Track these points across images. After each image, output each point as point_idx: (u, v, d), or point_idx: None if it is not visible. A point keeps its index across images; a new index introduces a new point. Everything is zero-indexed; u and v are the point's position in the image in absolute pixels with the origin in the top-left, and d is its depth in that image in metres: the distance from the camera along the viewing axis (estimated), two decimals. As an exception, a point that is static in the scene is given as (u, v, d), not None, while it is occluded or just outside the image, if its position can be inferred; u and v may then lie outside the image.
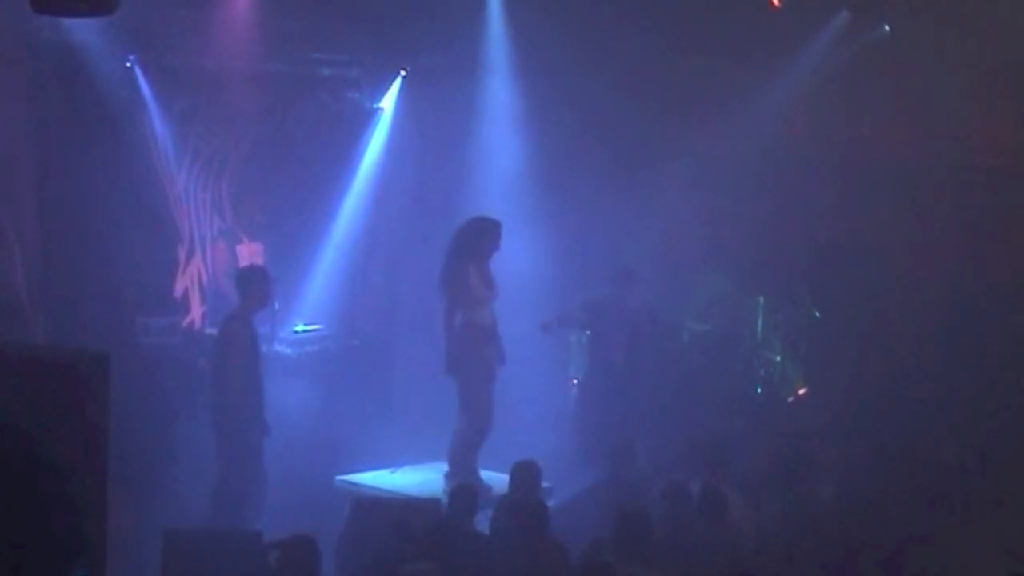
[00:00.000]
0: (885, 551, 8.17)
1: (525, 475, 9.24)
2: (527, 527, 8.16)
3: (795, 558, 8.04)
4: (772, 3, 13.30)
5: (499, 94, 13.35)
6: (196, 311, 12.33)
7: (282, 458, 10.27)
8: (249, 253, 12.22)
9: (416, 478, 11.16)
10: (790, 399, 13.85)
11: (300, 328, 11.50)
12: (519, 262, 12.40)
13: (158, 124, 11.85)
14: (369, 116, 13.20)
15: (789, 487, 9.44)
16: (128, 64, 11.53)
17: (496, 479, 10.76)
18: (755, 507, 9.08)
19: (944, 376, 12.49)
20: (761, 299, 14.07)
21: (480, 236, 10.83)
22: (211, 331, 11.82)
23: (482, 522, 9.33)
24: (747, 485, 9.37)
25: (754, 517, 8.93)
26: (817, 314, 14.17)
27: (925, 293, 13.21)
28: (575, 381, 13.92)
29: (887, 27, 13.58)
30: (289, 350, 11.51)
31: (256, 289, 10.08)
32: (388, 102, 13.23)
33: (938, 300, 13.10)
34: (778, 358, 14.03)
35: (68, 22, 10.72)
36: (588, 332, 12.93)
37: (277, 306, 11.66)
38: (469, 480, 10.42)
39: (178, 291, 12.23)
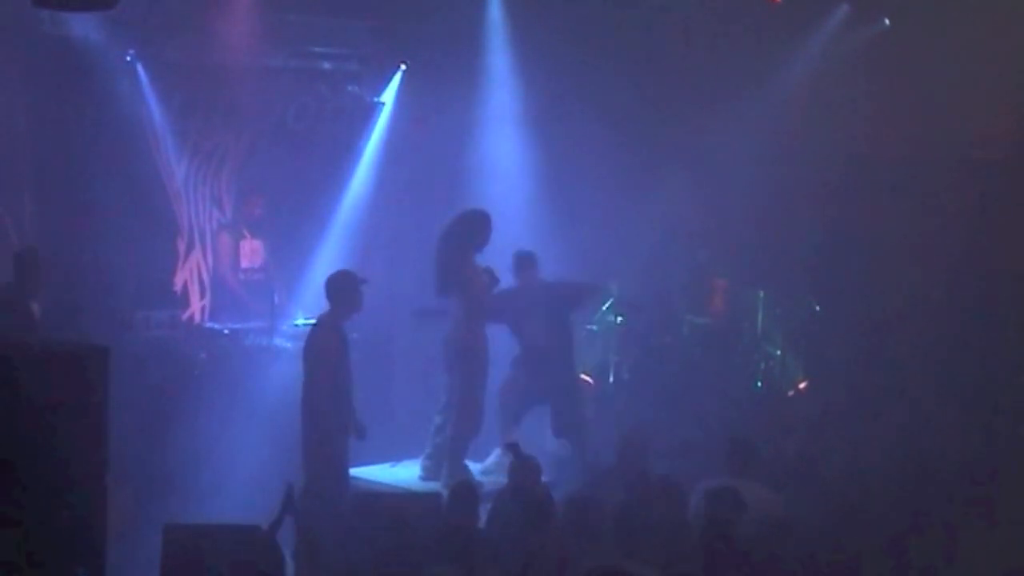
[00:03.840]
0: (886, 547, 8.17)
1: (525, 471, 9.23)
2: (531, 520, 8.15)
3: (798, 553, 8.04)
4: (773, -2, 13.32)
5: (499, 88, 13.35)
6: (196, 305, 12.34)
7: (282, 452, 10.27)
8: (250, 250, 12.23)
9: (416, 472, 11.17)
10: (790, 393, 13.84)
11: (300, 321, 11.48)
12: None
13: (158, 118, 11.87)
14: (369, 110, 13.21)
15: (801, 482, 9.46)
16: (128, 58, 11.55)
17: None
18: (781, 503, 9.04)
19: (945, 369, 12.49)
20: (762, 293, 14.06)
21: (476, 229, 10.89)
22: (211, 325, 11.84)
23: (483, 516, 9.34)
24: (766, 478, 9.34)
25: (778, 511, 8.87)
26: (817, 308, 14.16)
27: (925, 286, 13.21)
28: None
29: (887, 21, 13.57)
30: (289, 344, 11.50)
31: (347, 295, 9.90)
32: (388, 96, 13.23)
33: (938, 293, 13.10)
34: (778, 352, 14.02)
35: (69, 16, 10.75)
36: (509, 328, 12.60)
37: (277, 299, 11.68)
38: (463, 476, 10.46)
39: (177, 285, 12.24)
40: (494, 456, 11.27)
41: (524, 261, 11.46)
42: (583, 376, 13.91)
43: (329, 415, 9.74)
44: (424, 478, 11.00)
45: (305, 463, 9.85)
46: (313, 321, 10.29)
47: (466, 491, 8.84)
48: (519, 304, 11.39)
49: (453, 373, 11.00)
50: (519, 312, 11.35)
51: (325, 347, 9.83)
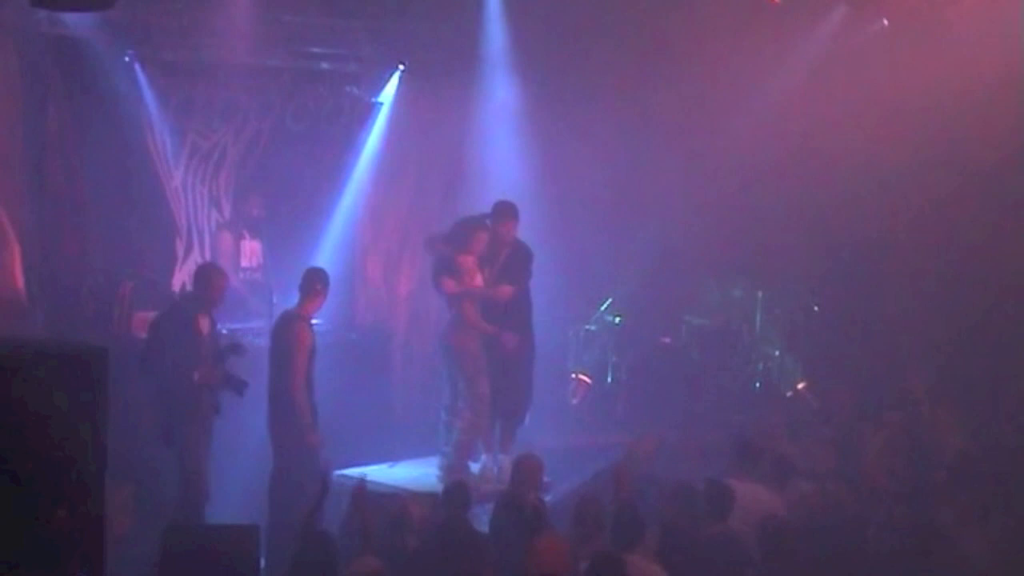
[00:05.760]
0: (887, 548, 8.18)
1: (527, 469, 9.24)
2: (525, 525, 8.16)
3: (796, 552, 8.05)
4: (772, -2, 13.31)
5: (497, 88, 13.35)
6: (194, 305, 12.31)
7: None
8: (249, 250, 12.21)
9: (414, 472, 11.16)
10: (789, 394, 13.85)
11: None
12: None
13: (156, 118, 11.86)
14: (368, 110, 13.20)
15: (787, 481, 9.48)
16: (127, 58, 11.54)
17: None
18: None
19: (945, 370, 12.49)
20: (760, 293, 14.07)
21: (455, 233, 10.86)
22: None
23: (481, 516, 9.35)
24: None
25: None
26: (816, 308, 14.17)
27: (924, 286, 13.21)
28: (573, 375, 13.94)
29: (885, 21, 13.57)
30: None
31: (318, 289, 10.03)
32: (387, 96, 13.22)
33: (937, 293, 13.10)
34: (777, 352, 14.02)
35: (67, 16, 10.75)
36: None
37: (275, 299, 11.66)
38: (460, 473, 10.45)
39: (176, 285, 12.22)
40: (484, 460, 11.25)
41: (502, 211, 11.04)
42: (581, 376, 13.94)
43: (305, 408, 9.75)
44: (443, 478, 10.81)
45: (276, 455, 9.84)
46: (314, 321, 10.28)
47: (458, 490, 8.86)
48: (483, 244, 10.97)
49: (452, 373, 10.98)
50: (479, 253, 10.96)
51: (301, 341, 9.83)
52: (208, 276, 9.98)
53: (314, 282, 10.09)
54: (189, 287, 12.25)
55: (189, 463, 9.64)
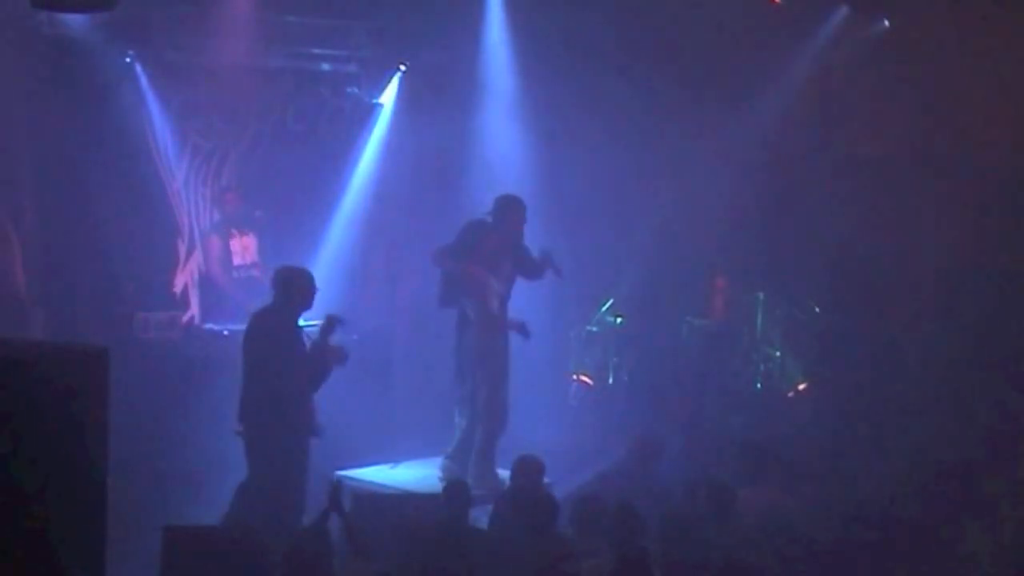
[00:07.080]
0: (888, 547, 8.18)
1: (528, 470, 9.23)
2: (534, 521, 8.16)
3: (795, 554, 8.05)
4: (772, -1, 13.32)
5: (499, 89, 13.35)
6: (195, 307, 12.33)
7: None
8: (241, 247, 12.19)
9: (416, 473, 11.13)
10: (790, 394, 13.85)
11: (300, 322, 11.46)
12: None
13: (157, 119, 11.89)
14: (369, 111, 13.21)
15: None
16: (128, 59, 11.56)
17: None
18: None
19: (945, 369, 12.50)
20: (761, 295, 14.06)
21: (465, 236, 10.78)
22: (211, 327, 11.83)
23: (481, 518, 9.35)
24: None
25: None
26: (817, 309, 14.16)
27: (925, 288, 13.21)
28: (574, 376, 13.94)
29: (886, 22, 13.57)
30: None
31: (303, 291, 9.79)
32: (388, 97, 13.23)
33: (939, 294, 13.11)
34: (778, 353, 14.02)
35: (67, 17, 10.77)
36: None
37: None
38: (491, 479, 10.44)
39: (177, 286, 12.24)
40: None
41: (513, 205, 10.72)
42: (582, 377, 13.94)
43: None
44: (444, 479, 10.63)
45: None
46: (315, 323, 10.25)
47: (459, 489, 8.86)
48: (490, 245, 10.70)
49: (474, 378, 10.82)
50: (487, 255, 10.70)
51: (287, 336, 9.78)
52: (304, 281, 9.55)
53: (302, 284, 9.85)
54: (191, 290, 12.32)
55: (281, 477, 9.37)
